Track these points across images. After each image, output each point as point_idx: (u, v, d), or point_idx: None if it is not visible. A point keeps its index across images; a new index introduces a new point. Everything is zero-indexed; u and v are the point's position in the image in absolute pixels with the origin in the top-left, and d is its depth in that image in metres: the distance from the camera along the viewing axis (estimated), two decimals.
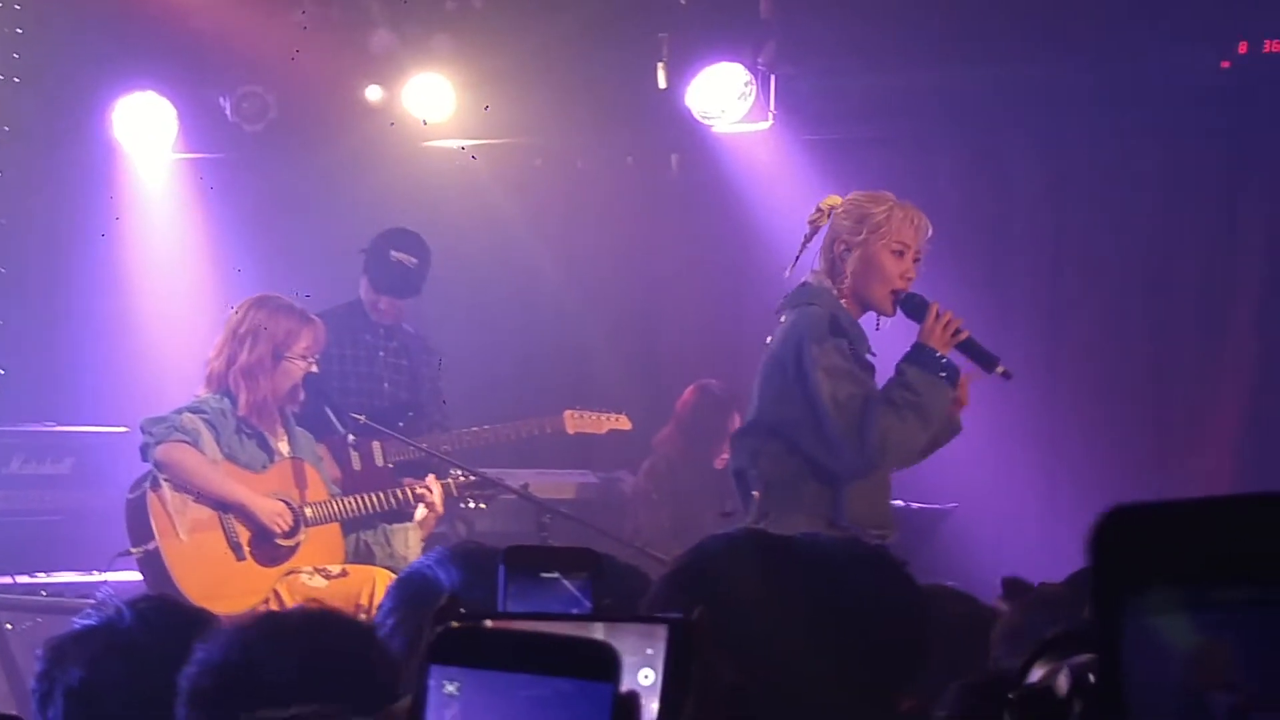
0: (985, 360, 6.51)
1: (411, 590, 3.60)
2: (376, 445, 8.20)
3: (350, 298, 8.74)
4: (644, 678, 2.09)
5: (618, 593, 2.88)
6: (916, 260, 6.48)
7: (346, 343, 8.56)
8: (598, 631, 2.10)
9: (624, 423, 8.95)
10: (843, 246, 6.42)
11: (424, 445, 8.15)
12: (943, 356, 6.43)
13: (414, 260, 8.57)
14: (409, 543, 8.07)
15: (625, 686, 2.11)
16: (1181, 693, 1.11)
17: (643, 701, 2.11)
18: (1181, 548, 1.11)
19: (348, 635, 3.18)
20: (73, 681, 3.23)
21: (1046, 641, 2.02)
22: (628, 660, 2.11)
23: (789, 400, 6.43)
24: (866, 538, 5.91)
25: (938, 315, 6.43)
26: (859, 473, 6.43)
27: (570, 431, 8.75)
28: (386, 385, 8.64)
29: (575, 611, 2.37)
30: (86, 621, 3.36)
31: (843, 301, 6.45)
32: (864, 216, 6.42)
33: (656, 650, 2.10)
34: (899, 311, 6.51)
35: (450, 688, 1.44)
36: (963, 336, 6.47)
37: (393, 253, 8.55)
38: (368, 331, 8.66)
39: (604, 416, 8.87)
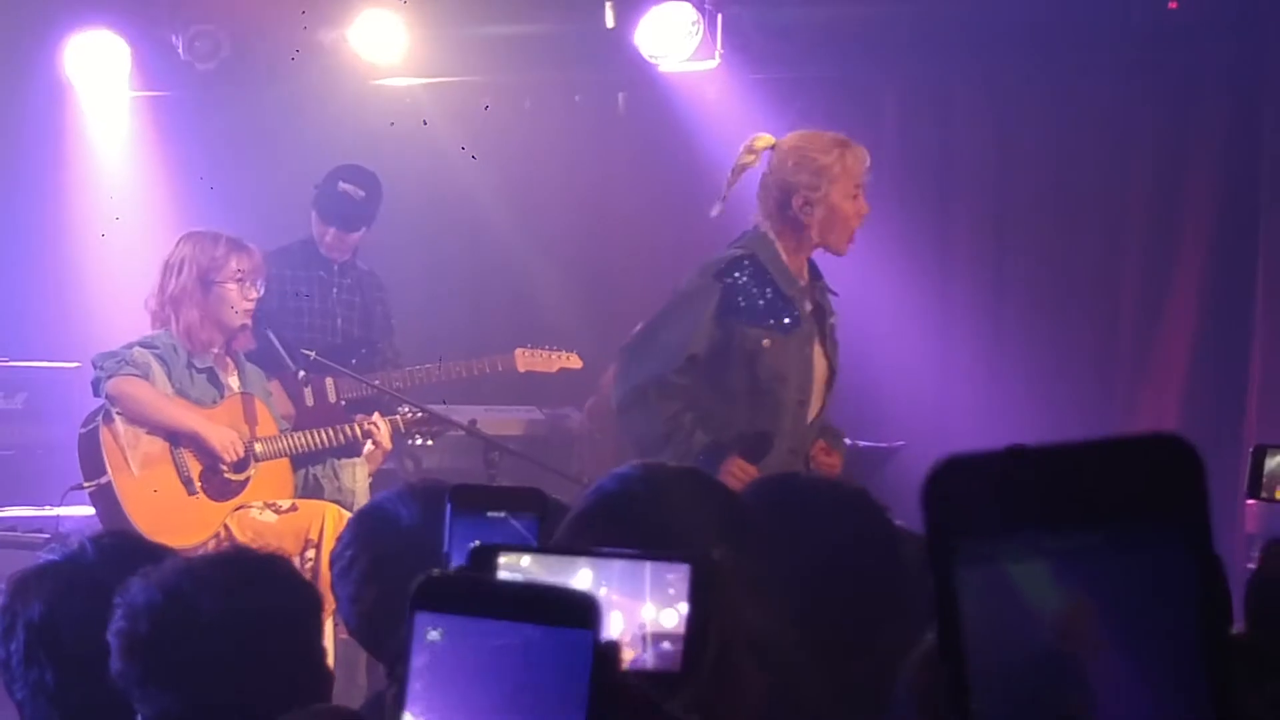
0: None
1: (370, 525, 3.69)
2: (329, 382, 8.23)
3: (303, 235, 8.75)
4: (666, 618, 2.14)
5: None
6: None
7: (301, 280, 8.57)
8: (615, 569, 2.14)
9: (575, 361, 8.95)
10: (802, 201, 6.37)
11: (376, 382, 8.19)
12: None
13: (361, 193, 8.56)
14: (356, 477, 8.10)
15: (648, 623, 2.16)
16: (1020, 639, 1.12)
17: (668, 643, 2.16)
18: (1010, 496, 1.12)
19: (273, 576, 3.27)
20: (34, 615, 3.28)
21: None
22: (646, 599, 2.16)
23: None
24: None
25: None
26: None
27: (521, 370, 8.74)
28: (339, 322, 8.66)
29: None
30: (50, 556, 3.42)
31: (784, 253, 6.46)
32: (820, 169, 6.37)
33: (677, 590, 2.15)
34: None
35: (434, 634, 1.47)
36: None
37: (340, 184, 8.55)
38: (320, 268, 8.66)
39: (555, 355, 8.88)
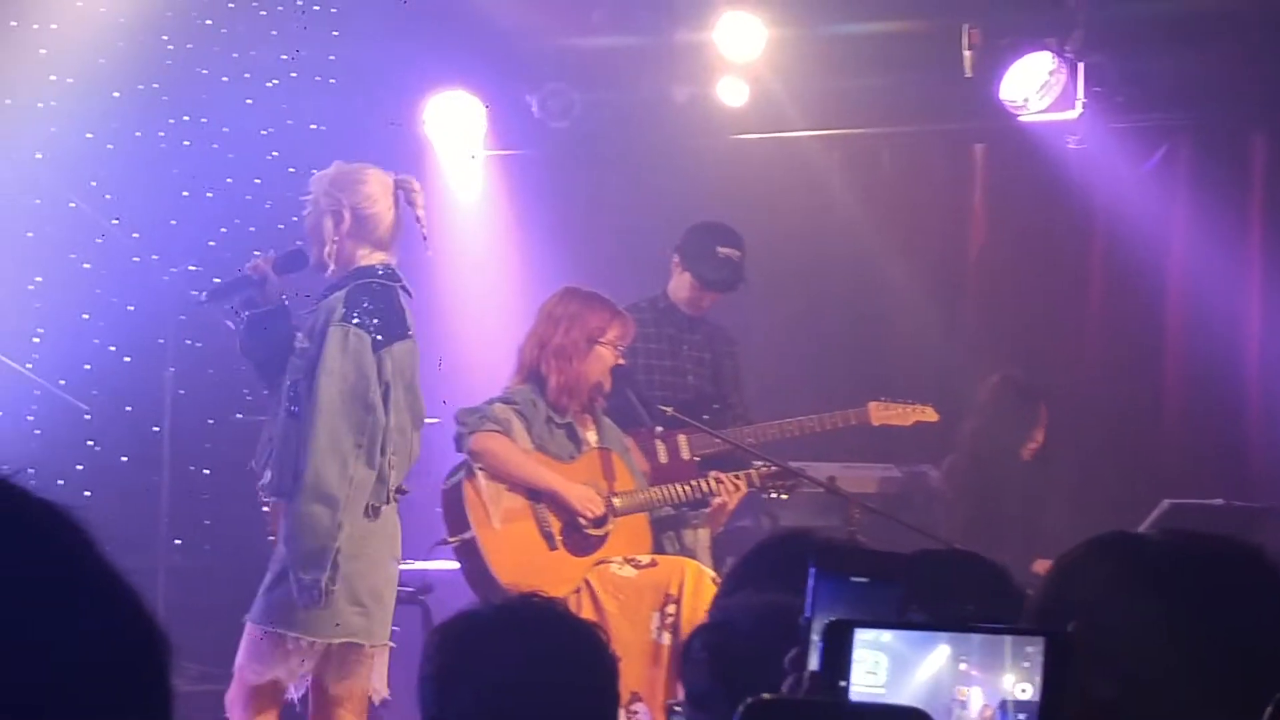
0: None
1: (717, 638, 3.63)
2: (682, 438, 8.23)
3: (652, 292, 8.79)
4: (1021, 691, 2.09)
5: (957, 591, 2.85)
6: None
7: (651, 336, 8.62)
8: (974, 643, 2.11)
9: (930, 414, 8.78)
10: None
11: (729, 438, 8.18)
12: None
13: (738, 254, 8.61)
14: (698, 537, 8.09)
15: (1007, 697, 2.12)
16: None
17: (1024, 715, 2.12)
18: None
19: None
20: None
21: None
22: (1005, 671, 2.12)
23: None
24: None
25: None
26: None
27: (875, 423, 8.62)
28: (690, 378, 8.68)
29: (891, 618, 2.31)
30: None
31: None
32: None
33: (1034, 663, 2.10)
34: None
35: None
36: None
37: (719, 249, 8.59)
38: (671, 325, 8.70)
39: (910, 408, 8.73)
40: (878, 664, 2.11)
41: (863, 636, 2.09)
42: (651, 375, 8.57)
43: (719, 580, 7.38)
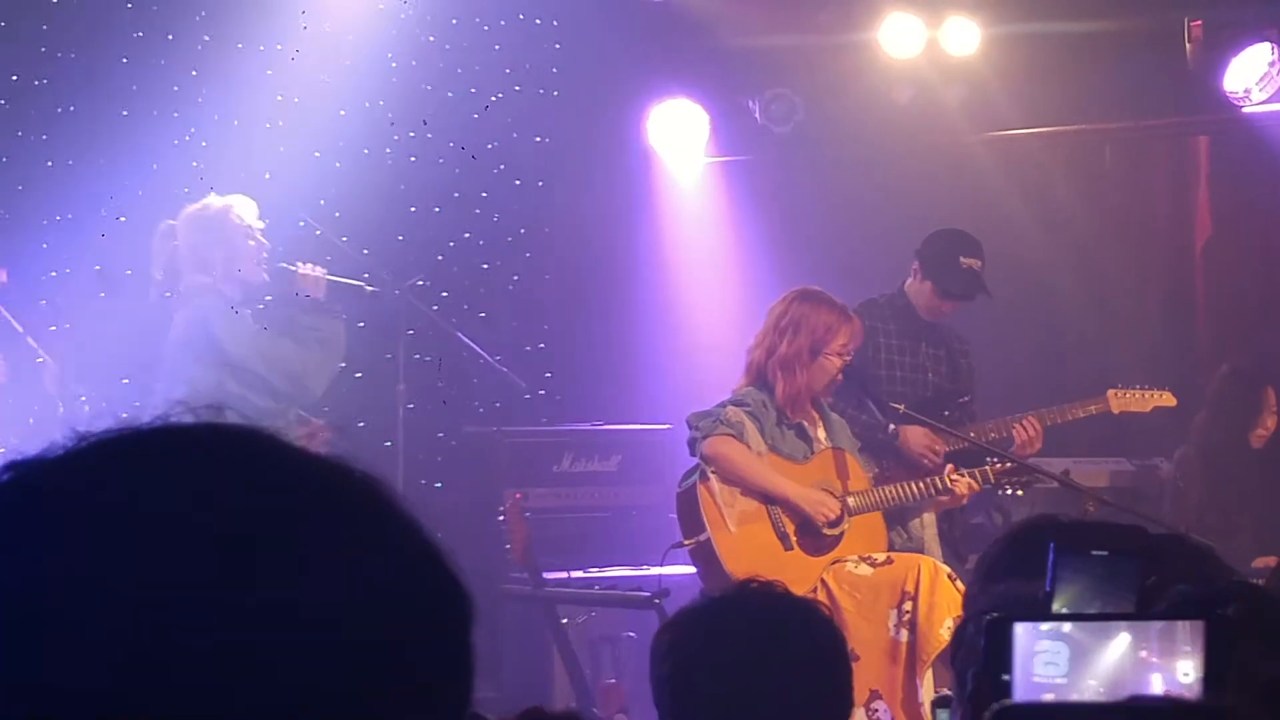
0: None
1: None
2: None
3: (888, 290, 8.82)
4: (1183, 675, 2.15)
5: (1178, 573, 2.89)
6: None
7: (893, 333, 8.64)
8: (1152, 631, 2.17)
9: (1169, 399, 8.79)
10: None
11: (966, 435, 8.21)
12: None
13: (979, 263, 8.64)
14: (925, 524, 8.10)
15: (1183, 680, 2.17)
16: None
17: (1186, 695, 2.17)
18: None
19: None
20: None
21: None
22: (1168, 657, 2.17)
23: None
24: None
25: None
26: None
27: (1115, 410, 8.65)
28: (931, 375, 8.70)
29: (1122, 592, 2.37)
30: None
31: None
32: None
33: (1195, 646, 2.15)
34: None
35: None
36: None
37: (962, 259, 8.62)
38: (911, 322, 8.70)
39: (1148, 393, 8.74)
40: (1058, 654, 2.16)
41: (1043, 628, 2.14)
42: (894, 371, 8.59)
43: (954, 576, 7.45)
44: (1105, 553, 2.46)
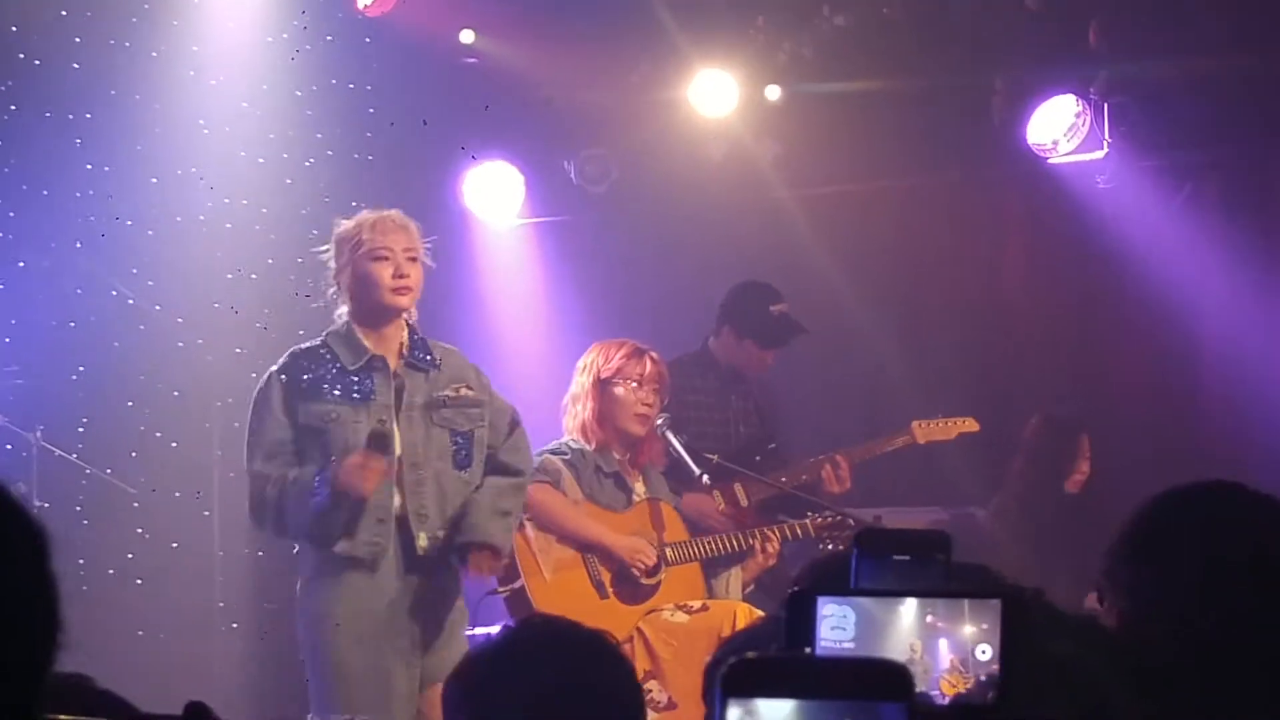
0: None
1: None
2: (738, 486, 8.34)
3: (692, 348, 8.88)
4: (981, 653, 2.18)
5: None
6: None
7: (699, 389, 8.69)
8: (937, 608, 2.18)
9: (972, 424, 8.91)
10: None
11: (778, 482, 8.26)
12: None
13: (786, 306, 8.74)
14: (729, 586, 8.16)
15: (968, 654, 2.20)
16: None
17: (984, 675, 2.20)
18: None
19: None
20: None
21: None
22: (966, 633, 2.20)
23: None
24: None
25: None
26: None
27: (921, 441, 8.76)
28: (741, 428, 8.76)
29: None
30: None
31: None
32: None
33: (992, 625, 2.18)
34: None
35: None
36: None
37: (771, 308, 8.71)
38: (716, 378, 8.78)
39: (951, 422, 8.85)
40: (845, 618, 2.18)
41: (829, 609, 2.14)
42: (704, 428, 8.62)
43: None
44: (907, 557, 2.50)
